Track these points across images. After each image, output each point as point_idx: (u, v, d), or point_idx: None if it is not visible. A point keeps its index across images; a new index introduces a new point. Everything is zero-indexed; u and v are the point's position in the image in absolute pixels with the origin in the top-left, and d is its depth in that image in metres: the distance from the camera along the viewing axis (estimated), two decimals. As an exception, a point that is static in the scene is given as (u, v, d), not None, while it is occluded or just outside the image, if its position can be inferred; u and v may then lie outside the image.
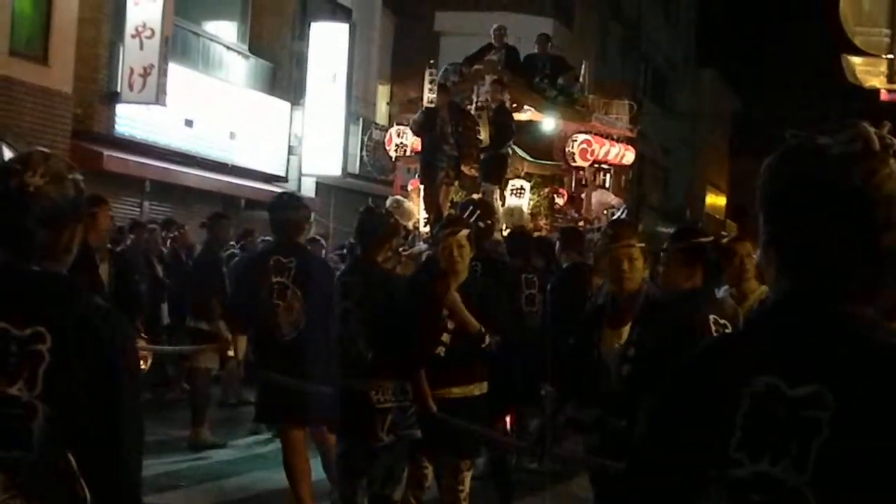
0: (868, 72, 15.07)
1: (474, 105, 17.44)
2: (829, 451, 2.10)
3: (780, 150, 2.28)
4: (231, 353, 11.25)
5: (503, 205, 16.97)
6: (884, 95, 19.73)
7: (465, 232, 7.95)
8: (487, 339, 7.81)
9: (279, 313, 8.88)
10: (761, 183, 2.30)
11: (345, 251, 17.78)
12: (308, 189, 26.80)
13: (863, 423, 2.09)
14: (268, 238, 15.06)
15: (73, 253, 3.18)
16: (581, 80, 19.50)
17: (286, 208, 9.27)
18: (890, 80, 11.70)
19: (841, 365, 2.14)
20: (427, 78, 17.83)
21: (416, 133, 17.60)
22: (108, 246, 11.39)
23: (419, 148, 17.59)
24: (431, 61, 19.50)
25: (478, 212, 9.68)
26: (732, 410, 2.21)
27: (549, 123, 18.14)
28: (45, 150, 3.18)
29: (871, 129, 2.18)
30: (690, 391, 2.32)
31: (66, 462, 2.95)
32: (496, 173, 16.73)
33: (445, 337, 7.78)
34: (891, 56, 11.16)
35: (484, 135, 16.85)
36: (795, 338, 2.20)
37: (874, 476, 2.07)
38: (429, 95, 17.54)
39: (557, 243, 12.60)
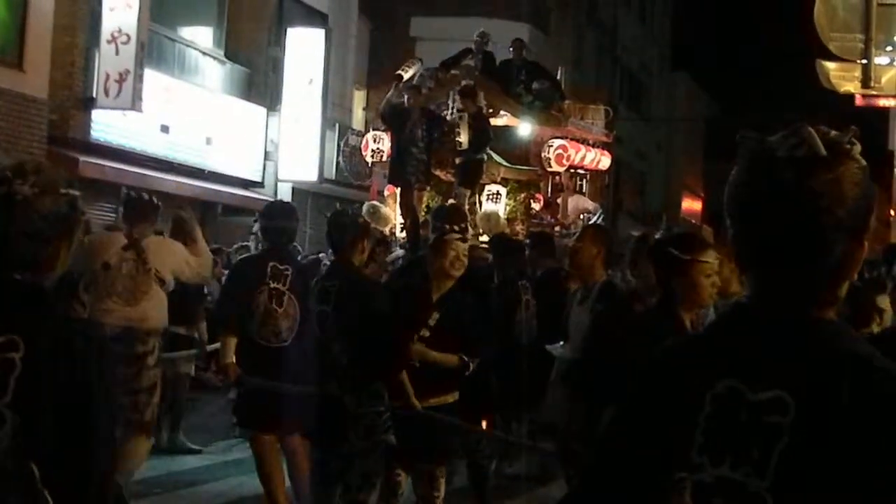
0: (842, 77, 15.15)
1: (451, 111, 17.42)
2: (790, 457, 2.10)
3: (739, 154, 2.29)
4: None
5: (479, 210, 16.98)
6: (859, 100, 19.85)
7: (467, 244, 8.00)
8: (472, 366, 7.84)
9: (278, 319, 8.95)
10: (726, 186, 2.31)
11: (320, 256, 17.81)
12: (284, 194, 26.71)
13: (823, 429, 2.09)
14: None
15: (58, 269, 3.10)
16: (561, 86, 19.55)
17: (282, 216, 9.43)
18: (864, 84, 11.76)
19: (803, 371, 2.14)
20: (408, 64, 17.95)
21: (383, 120, 17.60)
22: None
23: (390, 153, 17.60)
24: (419, 57, 19.62)
25: (465, 223, 9.73)
26: (695, 413, 2.21)
27: (525, 129, 18.13)
28: (42, 161, 3.13)
29: (816, 134, 2.18)
30: (654, 392, 2.33)
31: (30, 472, 2.85)
32: (471, 178, 16.72)
33: (419, 346, 7.78)
34: (864, 61, 11.22)
35: (464, 138, 16.85)
36: (758, 342, 2.21)
37: (833, 483, 2.07)
38: (407, 71, 17.61)
39: (528, 249, 12.59)
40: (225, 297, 9.65)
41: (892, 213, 22.44)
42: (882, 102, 21.73)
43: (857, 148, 2.19)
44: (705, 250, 6.17)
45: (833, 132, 2.19)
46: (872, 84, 11.67)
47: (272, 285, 9.00)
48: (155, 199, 10.15)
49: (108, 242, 9.85)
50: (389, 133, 17.65)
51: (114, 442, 3.07)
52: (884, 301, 6.89)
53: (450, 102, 17.50)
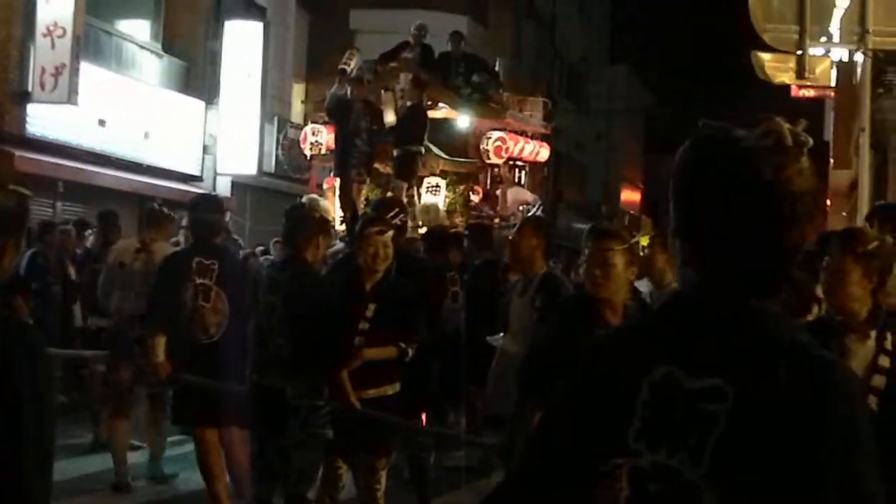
0: (777, 68, 15.26)
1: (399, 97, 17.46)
2: (726, 445, 2.12)
3: (692, 140, 2.29)
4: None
5: (418, 202, 17.00)
6: (794, 91, 19.94)
7: (390, 233, 7.98)
8: (410, 353, 7.87)
9: (206, 315, 8.88)
10: (672, 171, 2.32)
11: (264, 249, 17.78)
12: (223, 188, 26.62)
13: (760, 418, 2.11)
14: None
15: (4, 268, 2.98)
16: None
17: (206, 209, 9.28)
18: (799, 75, 11.82)
19: (741, 359, 2.15)
20: (349, 57, 17.94)
21: (329, 115, 17.61)
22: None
23: (334, 146, 17.59)
24: (357, 48, 19.61)
25: (401, 213, 9.71)
26: (631, 400, 2.23)
27: (463, 121, 18.17)
28: None
29: (785, 125, 2.21)
30: (592, 379, 2.34)
31: None
32: (408, 170, 16.73)
33: (359, 340, 7.78)
34: (800, 52, 11.27)
35: (390, 118, 16.91)
36: (697, 330, 2.22)
37: (768, 470, 2.09)
38: (349, 65, 17.60)
39: (466, 240, 12.66)
40: (152, 295, 9.58)
41: (828, 202, 22.63)
42: (817, 93, 21.94)
43: (811, 141, 2.22)
44: (601, 239, 6.24)
45: (789, 125, 2.22)
46: (807, 75, 11.74)
47: (198, 281, 8.91)
48: (170, 212, 11.62)
49: (124, 247, 11.44)
50: (331, 126, 17.66)
51: (46, 445, 2.92)
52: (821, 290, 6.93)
53: (397, 89, 17.53)
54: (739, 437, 2.12)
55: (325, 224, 9.09)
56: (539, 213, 18.07)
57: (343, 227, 16.63)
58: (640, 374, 2.23)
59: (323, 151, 18.45)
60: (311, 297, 8.08)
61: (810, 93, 21.67)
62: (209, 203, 9.55)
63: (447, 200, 17.63)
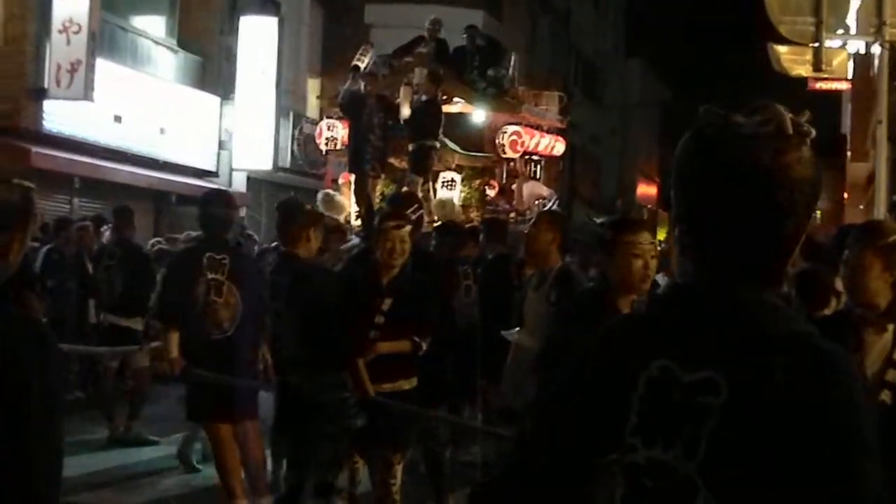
0: (794, 60, 15.23)
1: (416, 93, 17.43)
2: (720, 438, 2.09)
3: (693, 127, 2.26)
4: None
5: (434, 197, 16.98)
6: (811, 84, 19.87)
7: (408, 228, 7.97)
8: (424, 346, 7.86)
9: (218, 310, 8.86)
10: (674, 159, 2.29)
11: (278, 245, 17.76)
12: (239, 184, 26.66)
13: (753, 411, 2.08)
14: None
15: (10, 262, 2.94)
16: (512, 70, 19.52)
17: (217, 204, 9.25)
18: (815, 68, 11.80)
19: (735, 352, 2.13)
20: (362, 52, 17.94)
21: (343, 110, 17.61)
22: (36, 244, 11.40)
23: (348, 141, 17.60)
24: (371, 43, 19.61)
25: (419, 208, 9.70)
26: (629, 394, 2.20)
27: (479, 115, 18.15)
28: None
29: (787, 113, 2.18)
30: (590, 373, 2.31)
31: None
32: (423, 165, 16.71)
33: (374, 334, 7.78)
34: (816, 45, 11.24)
35: (406, 112, 16.90)
36: (692, 322, 2.19)
37: (766, 465, 2.06)
38: (362, 61, 17.60)
39: (481, 235, 12.66)
40: (164, 291, 9.59)
41: (845, 195, 22.58)
42: (834, 85, 21.87)
43: (813, 132, 2.19)
44: (634, 231, 6.17)
45: (791, 114, 2.19)
46: (824, 67, 11.72)
47: (209, 276, 8.88)
48: None
49: None
50: (346, 122, 17.65)
51: (56, 443, 2.87)
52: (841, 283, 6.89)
53: (414, 83, 17.49)
54: (733, 431, 2.09)
55: (317, 217, 9.04)
56: (555, 207, 18.02)
57: (358, 222, 16.62)
58: (638, 368, 2.20)
59: (338, 146, 18.43)
60: (314, 295, 8.07)
61: (827, 85, 21.60)
62: (220, 198, 9.53)
63: (463, 195, 17.61)
